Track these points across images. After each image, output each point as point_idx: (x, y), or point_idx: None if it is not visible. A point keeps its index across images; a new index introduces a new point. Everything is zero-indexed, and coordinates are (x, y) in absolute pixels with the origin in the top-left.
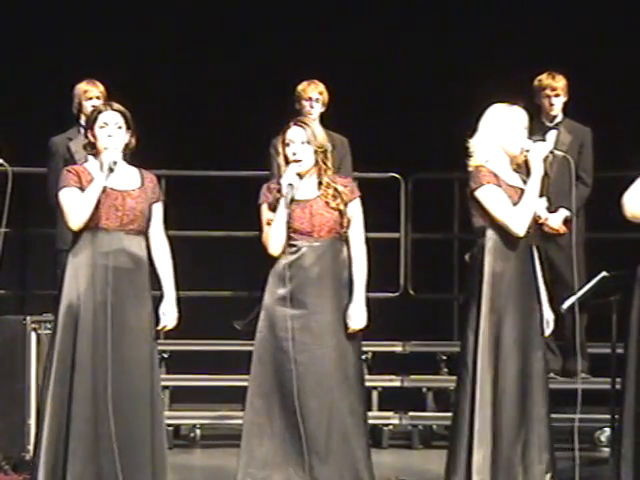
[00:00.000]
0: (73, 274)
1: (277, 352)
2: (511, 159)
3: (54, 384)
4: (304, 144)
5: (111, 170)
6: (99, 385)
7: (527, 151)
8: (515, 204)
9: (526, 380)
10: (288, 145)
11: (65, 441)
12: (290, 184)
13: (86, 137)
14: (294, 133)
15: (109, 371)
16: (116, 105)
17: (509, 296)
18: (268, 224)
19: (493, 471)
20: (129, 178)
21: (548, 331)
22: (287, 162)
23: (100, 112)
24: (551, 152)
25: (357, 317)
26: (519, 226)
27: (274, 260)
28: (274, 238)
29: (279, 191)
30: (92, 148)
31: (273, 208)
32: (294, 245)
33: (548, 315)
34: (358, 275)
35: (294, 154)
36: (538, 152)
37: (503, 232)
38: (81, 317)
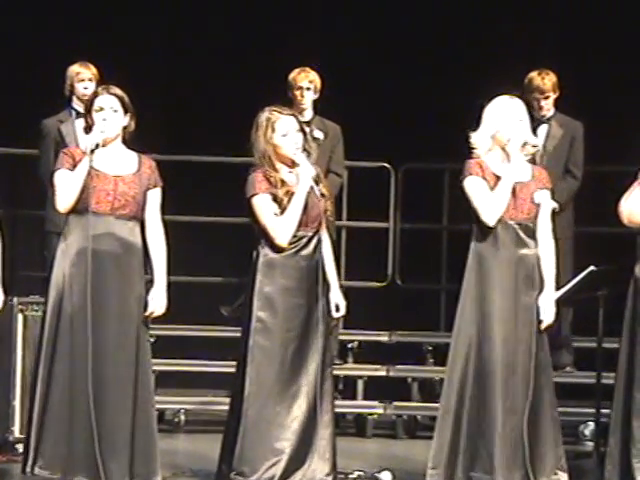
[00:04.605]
0: (62, 257)
1: (282, 344)
2: (502, 150)
3: (42, 367)
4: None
5: (92, 152)
6: (77, 369)
7: (508, 141)
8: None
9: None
10: (285, 136)
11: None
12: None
13: (86, 121)
14: (290, 123)
15: (89, 355)
16: (113, 88)
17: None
18: (279, 214)
19: (450, 461)
20: (125, 163)
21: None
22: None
23: (97, 96)
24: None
25: (343, 306)
26: (488, 217)
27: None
28: (291, 229)
29: (283, 182)
30: (90, 131)
31: (275, 198)
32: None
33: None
34: (333, 271)
35: (296, 143)
36: (515, 143)
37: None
38: (65, 300)
